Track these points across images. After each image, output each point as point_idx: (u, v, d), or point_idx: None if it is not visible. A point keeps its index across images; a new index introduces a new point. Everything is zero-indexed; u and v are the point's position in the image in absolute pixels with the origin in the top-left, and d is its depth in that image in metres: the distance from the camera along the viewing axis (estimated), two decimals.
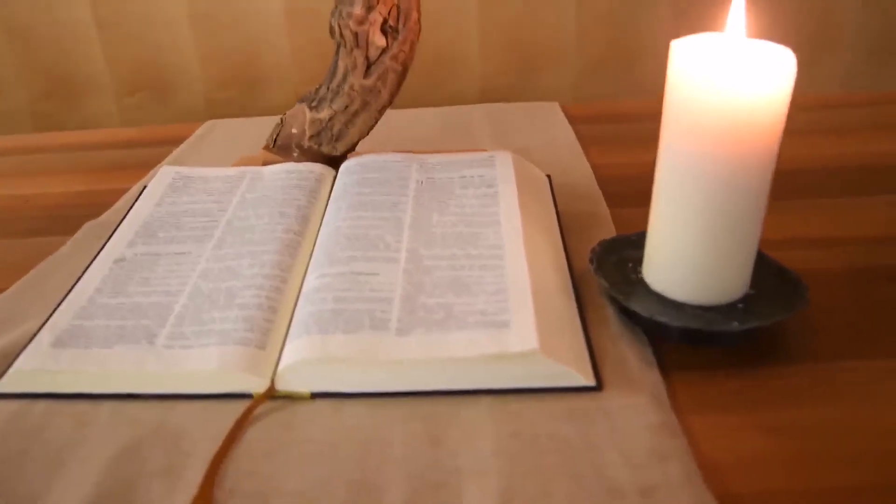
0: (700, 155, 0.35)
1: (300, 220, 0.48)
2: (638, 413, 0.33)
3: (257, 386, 0.36)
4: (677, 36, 0.35)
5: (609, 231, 0.50)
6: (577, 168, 0.61)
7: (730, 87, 0.33)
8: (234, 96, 0.87)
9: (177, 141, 0.73)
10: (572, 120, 0.73)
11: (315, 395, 0.36)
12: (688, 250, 0.37)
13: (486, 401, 0.35)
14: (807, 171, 0.58)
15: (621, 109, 0.77)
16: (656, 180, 0.39)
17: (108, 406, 0.36)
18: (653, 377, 0.36)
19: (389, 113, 0.56)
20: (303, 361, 0.36)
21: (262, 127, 0.64)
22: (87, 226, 0.54)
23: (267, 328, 0.39)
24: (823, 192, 0.55)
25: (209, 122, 0.79)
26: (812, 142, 0.64)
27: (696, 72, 0.34)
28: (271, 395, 0.36)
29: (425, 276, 0.41)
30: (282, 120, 0.56)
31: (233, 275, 0.43)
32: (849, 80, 0.85)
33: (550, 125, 0.72)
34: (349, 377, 0.36)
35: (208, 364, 0.36)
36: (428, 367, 0.35)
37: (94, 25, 0.83)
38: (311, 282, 0.41)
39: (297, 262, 0.44)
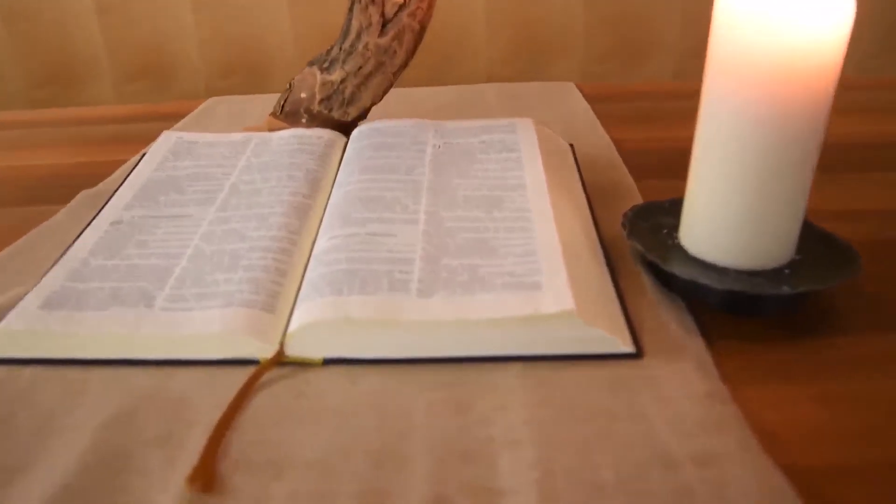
0: (748, 101, 0.32)
1: (309, 183, 0.45)
2: (684, 381, 0.31)
3: (264, 351, 0.33)
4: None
5: (636, 200, 0.47)
6: (598, 141, 0.58)
7: (783, 27, 0.31)
8: (236, 84, 0.85)
9: (178, 117, 0.70)
10: (588, 99, 0.70)
11: (327, 362, 0.33)
12: (731, 208, 0.35)
13: (515, 367, 0.32)
14: (832, 145, 0.56)
15: (637, 88, 0.75)
16: (697, 133, 0.36)
17: (100, 372, 0.33)
18: (696, 345, 0.33)
19: (401, 90, 0.53)
20: (315, 323, 0.33)
21: (266, 104, 0.61)
22: (82, 194, 0.51)
23: (275, 291, 0.36)
24: (848, 167, 0.53)
25: (212, 99, 0.76)
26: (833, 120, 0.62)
27: (747, 11, 0.31)
28: (279, 360, 0.33)
29: (447, 237, 0.38)
30: (290, 85, 0.53)
31: (238, 237, 0.40)
32: (863, 65, 0.83)
33: (566, 102, 0.69)
34: (365, 342, 0.33)
35: (211, 327, 0.33)
36: (453, 330, 0.32)
37: (94, 11, 0.81)
38: (322, 244, 0.38)
39: (306, 226, 0.41)
